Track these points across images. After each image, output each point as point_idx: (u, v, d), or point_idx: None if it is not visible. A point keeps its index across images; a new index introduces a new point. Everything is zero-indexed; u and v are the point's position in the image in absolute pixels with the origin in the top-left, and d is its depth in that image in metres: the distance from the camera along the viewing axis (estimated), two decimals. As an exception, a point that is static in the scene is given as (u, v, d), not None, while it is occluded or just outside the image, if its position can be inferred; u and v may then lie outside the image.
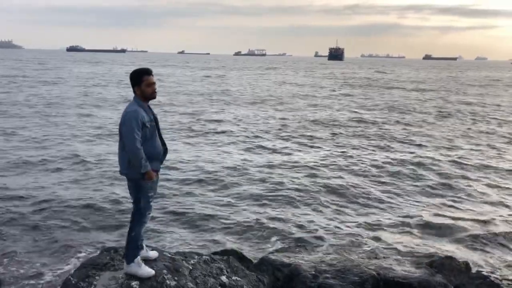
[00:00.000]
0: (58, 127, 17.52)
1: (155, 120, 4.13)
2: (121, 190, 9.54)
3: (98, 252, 5.29)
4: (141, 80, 4.02)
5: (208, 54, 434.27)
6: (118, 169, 4.23)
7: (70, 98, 27.26)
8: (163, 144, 4.26)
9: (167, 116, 20.99)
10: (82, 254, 6.72)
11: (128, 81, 4.18)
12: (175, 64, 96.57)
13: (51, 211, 8.46)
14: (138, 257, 4.27)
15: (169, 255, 4.73)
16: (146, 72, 4.05)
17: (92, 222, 8.03)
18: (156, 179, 4.18)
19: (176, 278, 4.29)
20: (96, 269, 4.41)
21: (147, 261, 4.40)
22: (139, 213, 4.14)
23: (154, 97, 4.11)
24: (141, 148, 3.90)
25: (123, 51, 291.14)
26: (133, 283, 4.11)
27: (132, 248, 4.20)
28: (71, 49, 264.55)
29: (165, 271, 4.33)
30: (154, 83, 4.08)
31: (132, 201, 4.22)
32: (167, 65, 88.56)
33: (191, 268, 4.46)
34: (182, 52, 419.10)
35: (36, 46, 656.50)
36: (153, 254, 4.54)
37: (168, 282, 4.19)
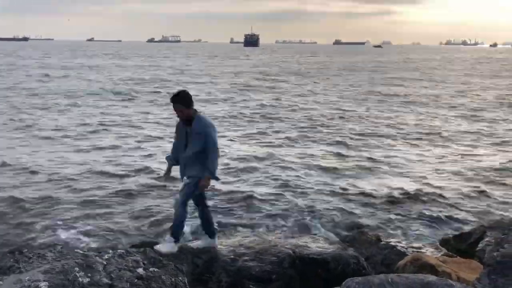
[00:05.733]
0: None
1: None
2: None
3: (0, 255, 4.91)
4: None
5: (120, 41, 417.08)
6: None
7: None
8: None
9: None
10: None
11: None
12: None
13: None
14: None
15: (81, 252, 4.51)
16: None
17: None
18: None
19: (89, 274, 4.09)
20: (-1, 274, 4.09)
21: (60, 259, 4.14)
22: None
23: None
24: None
25: (25, 39, 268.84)
26: (41, 284, 3.87)
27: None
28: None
29: (76, 268, 4.11)
30: None
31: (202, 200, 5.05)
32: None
33: (105, 263, 4.28)
34: (91, 40, 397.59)
35: None
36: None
37: (80, 279, 3.99)
